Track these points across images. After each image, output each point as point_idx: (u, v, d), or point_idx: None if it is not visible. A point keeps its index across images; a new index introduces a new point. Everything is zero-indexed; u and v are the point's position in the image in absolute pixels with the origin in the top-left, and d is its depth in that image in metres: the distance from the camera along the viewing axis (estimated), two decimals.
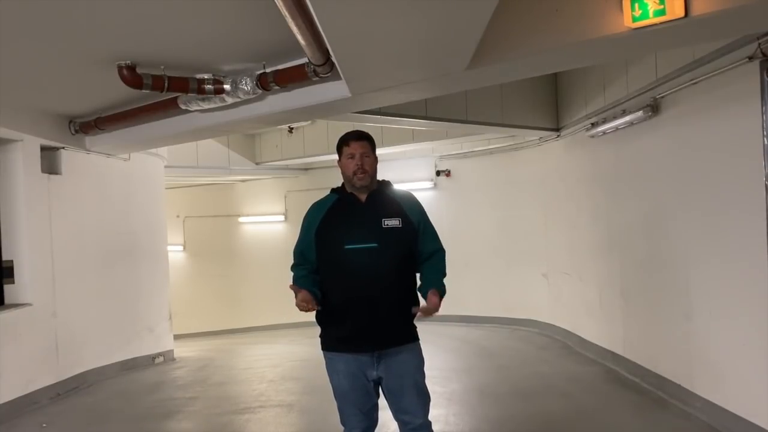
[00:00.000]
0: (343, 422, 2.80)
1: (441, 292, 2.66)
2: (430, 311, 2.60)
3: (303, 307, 2.58)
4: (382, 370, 2.68)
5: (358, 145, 2.71)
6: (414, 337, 2.76)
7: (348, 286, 2.65)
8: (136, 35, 3.73)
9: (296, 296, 2.59)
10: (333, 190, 2.84)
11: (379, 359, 2.67)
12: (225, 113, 4.93)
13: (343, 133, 2.81)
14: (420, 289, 2.73)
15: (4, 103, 5.06)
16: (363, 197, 2.75)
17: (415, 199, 2.86)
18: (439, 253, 2.83)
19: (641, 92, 5.02)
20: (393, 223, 2.68)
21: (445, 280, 2.77)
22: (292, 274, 2.81)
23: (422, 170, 9.71)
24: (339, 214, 2.74)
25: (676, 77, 4.47)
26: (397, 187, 2.92)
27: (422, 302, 2.68)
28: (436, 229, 2.92)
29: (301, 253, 2.79)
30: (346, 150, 2.73)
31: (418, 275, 2.80)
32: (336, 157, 2.82)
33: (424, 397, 2.75)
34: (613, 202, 5.87)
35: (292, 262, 2.86)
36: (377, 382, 2.73)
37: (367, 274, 2.62)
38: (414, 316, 2.69)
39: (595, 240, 6.35)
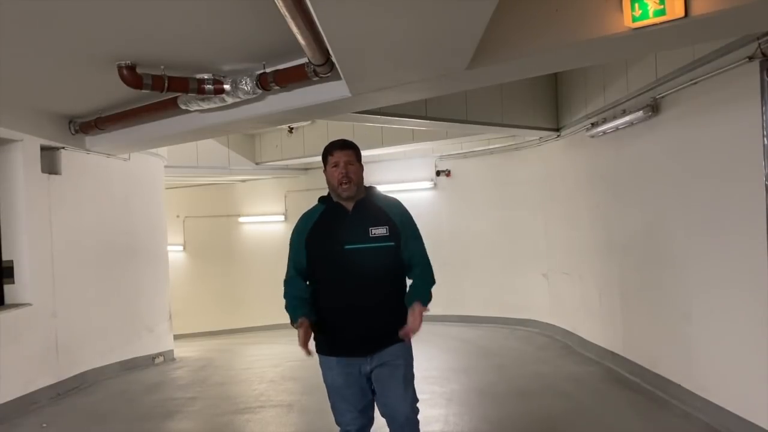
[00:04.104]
0: (337, 421, 2.80)
1: (424, 300, 2.65)
2: (413, 328, 2.58)
3: (305, 346, 2.58)
4: (373, 367, 2.71)
5: (342, 154, 2.70)
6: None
7: (337, 295, 2.68)
8: (137, 35, 3.73)
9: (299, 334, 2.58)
10: (320, 200, 2.85)
11: (372, 359, 2.71)
12: (225, 113, 4.93)
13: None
14: (406, 302, 2.70)
15: (4, 103, 5.07)
16: (349, 206, 2.75)
17: (402, 206, 2.85)
18: (425, 268, 2.78)
19: (641, 92, 5.02)
20: (380, 231, 2.68)
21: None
22: (283, 289, 2.79)
23: (422, 170, 9.71)
24: (326, 224, 2.74)
25: (676, 77, 4.47)
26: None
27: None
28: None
29: (293, 264, 2.80)
30: (330, 159, 2.72)
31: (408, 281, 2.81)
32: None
33: (411, 392, 2.77)
34: (613, 202, 5.87)
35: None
36: (369, 378, 2.75)
37: (355, 282, 2.65)
38: (406, 335, 2.65)
39: (595, 240, 6.35)
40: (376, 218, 2.71)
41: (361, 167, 2.77)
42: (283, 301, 2.77)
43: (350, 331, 2.68)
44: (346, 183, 2.67)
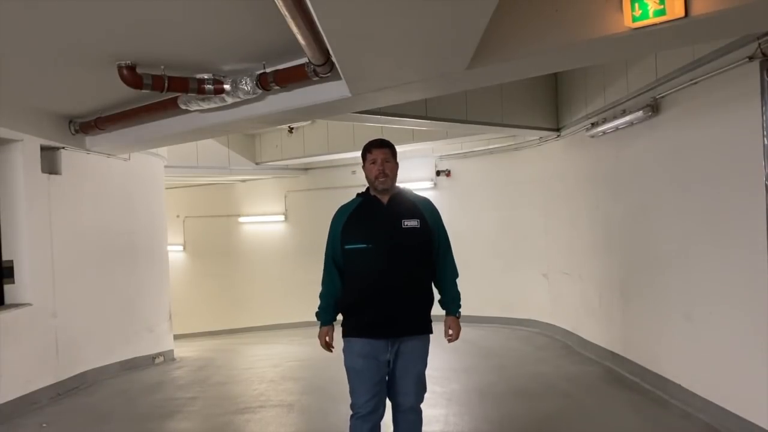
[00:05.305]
0: (352, 403, 2.97)
1: (456, 312, 3.14)
2: (457, 336, 3.13)
3: (325, 345, 3.10)
4: (393, 354, 2.93)
5: (380, 152, 3.00)
6: (426, 329, 3.02)
7: (369, 281, 2.92)
8: (137, 35, 3.74)
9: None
10: (358, 194, 3.12)
11: (393, 345, 2.92)
12: (225, 113, 4.93)
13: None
14: (441, 303, 3.15)
15: (4, 103, 5.06)
16: (385, 199, 3.02)
17: (433, 205, 3.14)
18: (452, 269, 3.14)
19: (641, 92, 5.02)
20: (412, 223, 2.96)
21: None
22: (321, 287, 3.14)
23: (422, 170, 9.71)
24: (362, 214, 3.02)
25: (676, 77, 4.47)
26: (404, 186, 3.18)
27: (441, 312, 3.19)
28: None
29: (331, 252, 3.06)
30: (369, 156, 3.01)
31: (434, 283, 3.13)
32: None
33: (422, 385, 3.04)
34: (613, 201, 5.87)
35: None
36: (388, 366, 2.95)
37: (385, 270, 2.92)
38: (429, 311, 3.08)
39: (595, 240, 6.35)
40: (409, 211, 3.00)
41: (396, 165, 3.06)
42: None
43: (377, 312, 2.90)
44: (382, 177, 2.96)
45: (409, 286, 2.93)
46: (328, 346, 3.09)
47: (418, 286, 2.98)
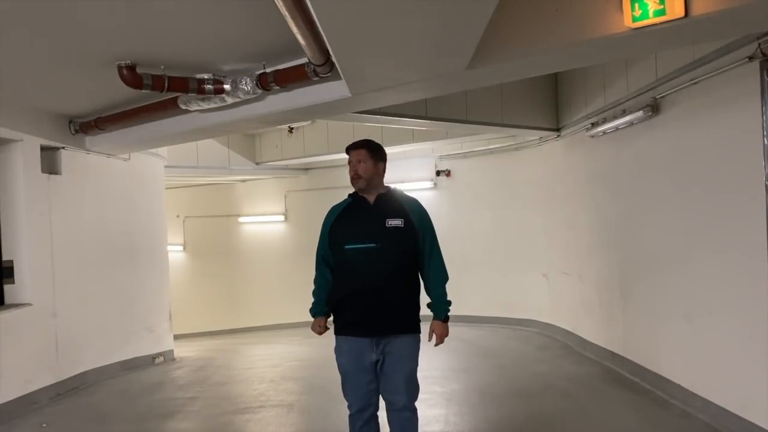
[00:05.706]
0: (345, 397, 3.08)
1: (445, 317, 3.08)
2: (439, 342, 3.10)
3: (318, 331, 3.13)
4: (380, 353, 2.98)
5: (354, 153, 3.08)
6: (413, 329, 3.02)
7: (354, 279, 2.98)
8: (137, 35, 3.74)
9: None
10: (349, 195, 3.19)
11: (378, 344, 2.97)
12: (225, 113, 4.93)
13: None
14: (428, 306, 3.11)
15: (4, 103, 5.07)
16: (372, 199, 3.08)
17: (421, 205, 3.16)
18: (440, 271, 3.11)
19: (641, 92, 5.02)
20: (396, 222, 2.99)
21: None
22: (314, 283, 3.21)
23: (422, 170, 9.71)
24: (349, 214, 3.09)
25: (676, 77, 4.47)
26: (399, 186, 3.14)
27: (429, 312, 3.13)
28: (437, 228, 3.18)
29: (322, 251, 3.14)
30: (348, 158, 3.10)
31: (421, 278, 3.14)
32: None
33: (412, 384, 3.05)
34: (613, 201, 5.87)
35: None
36: (376, 365, 3.00)
37: (369, 268, 2.95)
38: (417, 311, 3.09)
39: (595, 240, 6.35)
40: (394, 211, 3.03)
41: (375, 164, 3.07)
42: (307, 292, 3.21)
43: (359, 310, 2.96)
44: (356, 178, 3.04)
45: (391, 285, 2.95)
46: (323, 330, 3.12)
47: (401, 284, 2.99)
